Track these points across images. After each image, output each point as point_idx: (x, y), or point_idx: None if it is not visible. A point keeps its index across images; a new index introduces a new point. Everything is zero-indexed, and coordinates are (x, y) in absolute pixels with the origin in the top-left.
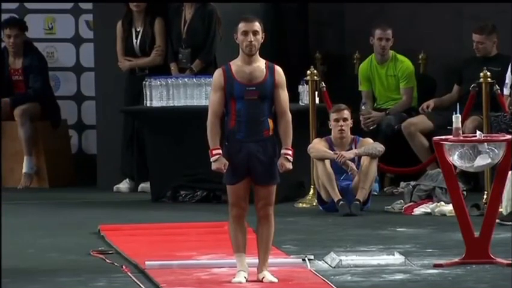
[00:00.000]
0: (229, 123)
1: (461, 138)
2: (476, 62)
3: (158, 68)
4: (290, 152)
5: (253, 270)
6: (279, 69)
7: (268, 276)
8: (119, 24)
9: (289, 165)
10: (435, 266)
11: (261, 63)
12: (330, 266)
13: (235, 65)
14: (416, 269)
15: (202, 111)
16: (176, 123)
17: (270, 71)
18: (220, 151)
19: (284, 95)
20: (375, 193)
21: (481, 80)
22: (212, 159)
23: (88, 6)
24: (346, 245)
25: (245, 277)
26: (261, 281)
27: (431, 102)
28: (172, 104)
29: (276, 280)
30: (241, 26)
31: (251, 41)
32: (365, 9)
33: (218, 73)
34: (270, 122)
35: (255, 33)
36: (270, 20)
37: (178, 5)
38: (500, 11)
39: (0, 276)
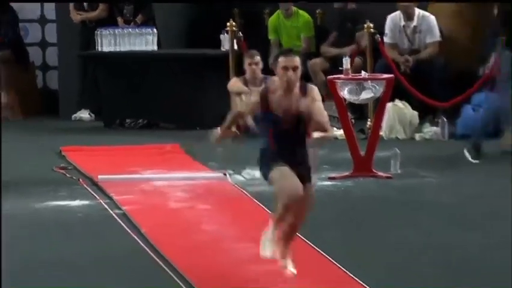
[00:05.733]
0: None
1: (350, 76)
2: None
3: (103, 20)
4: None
5: None
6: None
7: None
8: None
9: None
10: (330, 178)
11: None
12: (246, 179)
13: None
14: (315, 181)
15: (143, 56)
16: (122, 65)
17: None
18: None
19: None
20: None
21: (365, 29)
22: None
23: None
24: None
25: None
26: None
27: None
28: (118, 50)
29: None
30: (282, 61)
31: (291, 78)
32: None
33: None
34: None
35: (294, 68)
36: None
37: None
38: None
39: (1, 276)
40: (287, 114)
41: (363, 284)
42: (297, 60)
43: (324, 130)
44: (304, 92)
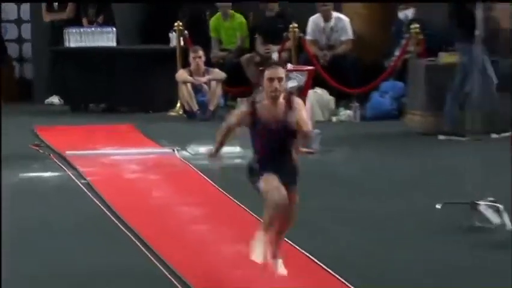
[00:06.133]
0: None
1: (290, 68)
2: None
3: (70, 20)
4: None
5: None
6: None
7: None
8: None
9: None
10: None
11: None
12: (191, 154)
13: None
14: (247, 155)
15: (104, 51)
16: (86, 58)
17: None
18: None
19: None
20: (221, 105)
21: (291, 29)
22: None
23: None
24: (202, 139)
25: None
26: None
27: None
28: (83, 45)
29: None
30: (268, 73)
31: (276, 88)
32: None
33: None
34: None
35: (280, 79)
36: None
37: None
38: None
39: (1, 277)
40: (274, 123)
41: (304, 251)
42: (281, 72)
43: (306, 135)
44: (290, 103)
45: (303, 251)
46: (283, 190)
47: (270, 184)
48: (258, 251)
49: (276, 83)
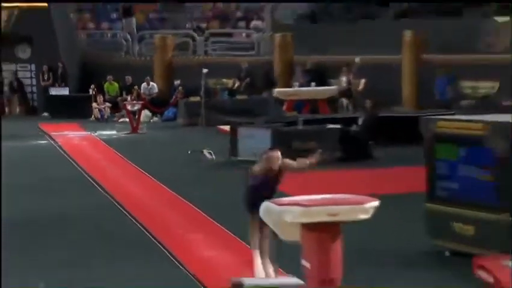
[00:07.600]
0: None
1: (131, 102)
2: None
3: (51, 84)
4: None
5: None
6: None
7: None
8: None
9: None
10: (124, 134)
11: None
12: (99, 134)
13: None
14: (118, 134)
15: (64, 96)
16: (58, 98)
17: None
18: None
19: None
20: (109, 116)
21: (134, 89)
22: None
23: None
24: (102, 129)
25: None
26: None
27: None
28: (57, 93)
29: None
30: (270, 154)
31: (276, 164)
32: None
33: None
34: None
35: (278, 158)
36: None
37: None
38: None
39: (0, 278)
40: (267, 180)
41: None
42: (279, 154)
43: (304, 162)
44: (280, 169)
45: None
46: (256, 236)
47: (251, 228)
48: (261, 272)
49: (275, 161)
